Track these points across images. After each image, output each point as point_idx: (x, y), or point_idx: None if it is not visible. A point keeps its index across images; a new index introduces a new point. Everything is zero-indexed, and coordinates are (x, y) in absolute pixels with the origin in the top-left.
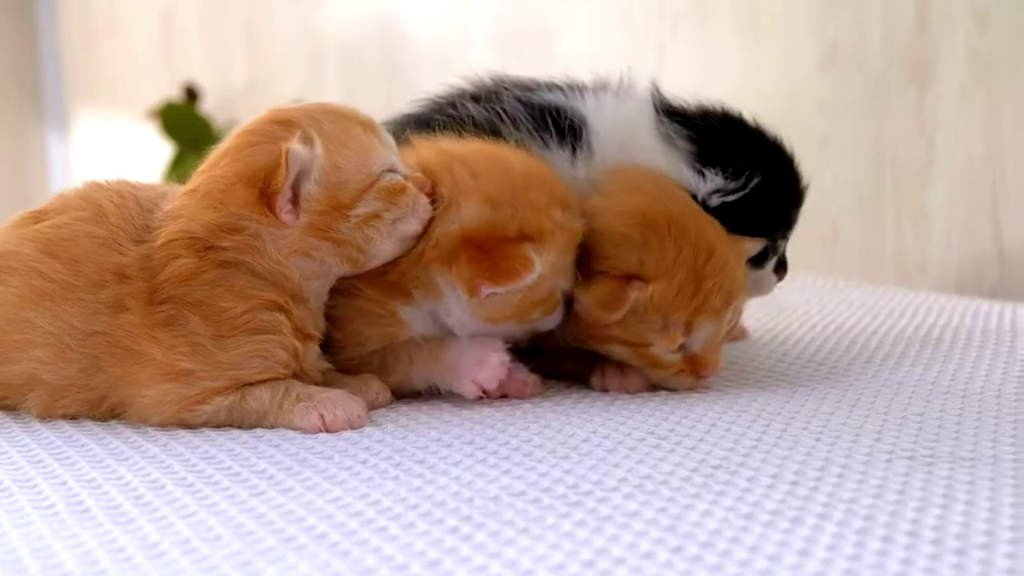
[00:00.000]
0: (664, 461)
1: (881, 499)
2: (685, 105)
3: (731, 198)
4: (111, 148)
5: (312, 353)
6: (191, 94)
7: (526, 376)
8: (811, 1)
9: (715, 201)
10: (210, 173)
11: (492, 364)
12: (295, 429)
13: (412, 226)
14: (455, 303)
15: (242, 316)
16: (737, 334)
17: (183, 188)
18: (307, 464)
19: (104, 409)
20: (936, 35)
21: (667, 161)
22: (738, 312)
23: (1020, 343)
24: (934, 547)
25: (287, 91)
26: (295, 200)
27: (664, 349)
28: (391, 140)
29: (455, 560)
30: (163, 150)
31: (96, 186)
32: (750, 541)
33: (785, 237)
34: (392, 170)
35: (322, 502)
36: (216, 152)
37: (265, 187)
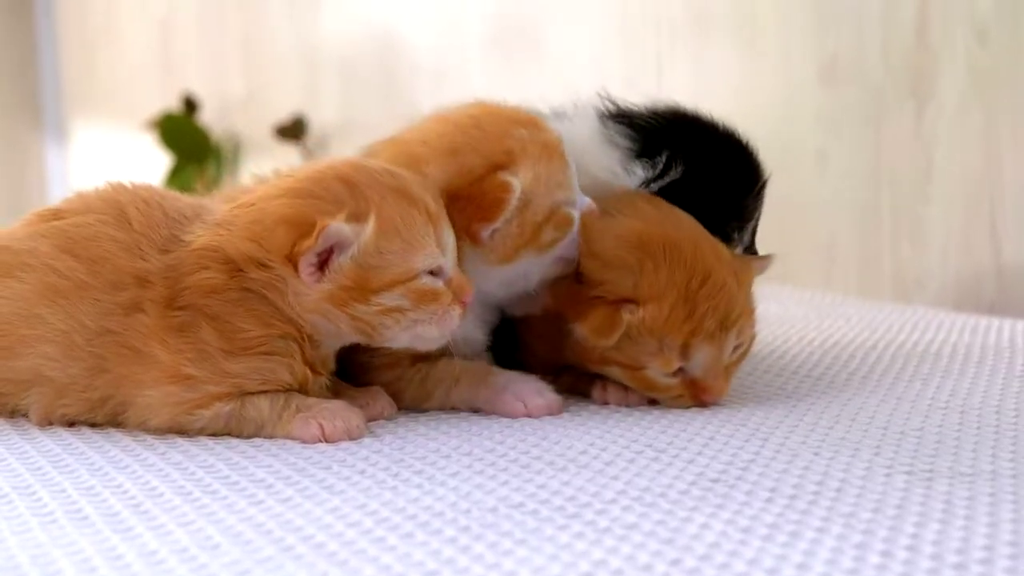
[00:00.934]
0: (662, 474)
1: (880, 513)
2: (634, 108)
3: (654, 187)
4: (109, 158)
5: (318, 384)
6: (189, 105)
7: None
8: (810, 13)
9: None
10: (266, 204)
11: (549, 398)
12: (294, 439)
13: (431, 332)
14: (471, 261)
15: (256, 339)
16: None
17: (239, 198)
18: (305, 474)
19: (105, 411)
20: (935, 48)
21: (609, 162)
22: (746, 335)
23: (1019, 359)
24: (933, 562)
25: (285, 103)
26: (323, 266)
27: (659, 372)
28: (450, 239)
29: (453, 571)
30: (161, 161)
31: (120, 189)
32: (749, 554)
33: (740, 228)
34: (435, 272)
35: (320, 511)
36: (284, 181)
37: (297, 244)
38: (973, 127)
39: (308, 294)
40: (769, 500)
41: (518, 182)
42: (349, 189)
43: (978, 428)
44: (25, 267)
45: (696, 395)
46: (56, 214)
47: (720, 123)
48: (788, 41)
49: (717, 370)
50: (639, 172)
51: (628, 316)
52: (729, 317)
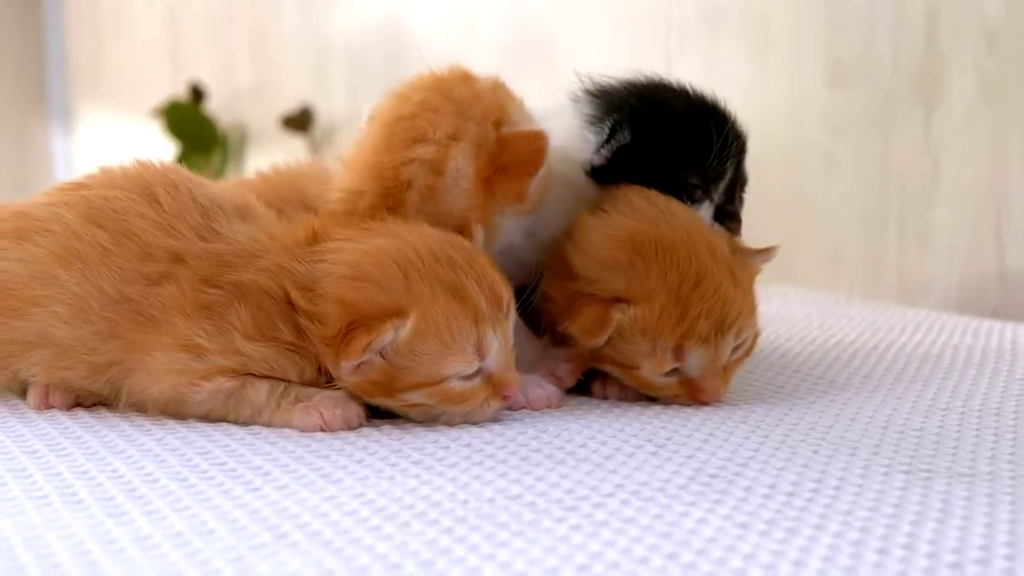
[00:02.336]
0: (661, 468)
1: (877, 512)
2: (610, 81)
3: (605, 151)
4: (115, 146)
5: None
6: (197, 94)
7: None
8: (819, 16)
9: (598, 160)
10: (334, 268)
11: (549, 390)
12: (292, 428)
13: (456, 421)
14: (509, 220)
15: (286, 339)
16: None
17: (307, 223)
18: (303, 462)
19: (106, 377)
20: (944, 53)
21: (579, 138)
22: (747, 335)
23: (1020, 363)
24: (929, 560)
25: (293, 93)
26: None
27: (652, 372)
28: (496, 340)
29: (448, 560)
30: (167, 149)
31: (149, 168)
32: (745, 550)
33: (706, 188)
34: (470, 376)
35: (317, 500)
36: (361, 239)
37: (346, 340)
38: (981, 133)
39: (341, 374)
40: (767, 496)
41: (537, 125)
42: (404, 278)
43: (977, 430)
44: (46, 232)
45: (692, 395)
46: (78, 188)
47: (692, 90)
48: (797, 44)
49: (713, 371)
50: (591, 137)
51: (619, 316)
52: (725, 320)
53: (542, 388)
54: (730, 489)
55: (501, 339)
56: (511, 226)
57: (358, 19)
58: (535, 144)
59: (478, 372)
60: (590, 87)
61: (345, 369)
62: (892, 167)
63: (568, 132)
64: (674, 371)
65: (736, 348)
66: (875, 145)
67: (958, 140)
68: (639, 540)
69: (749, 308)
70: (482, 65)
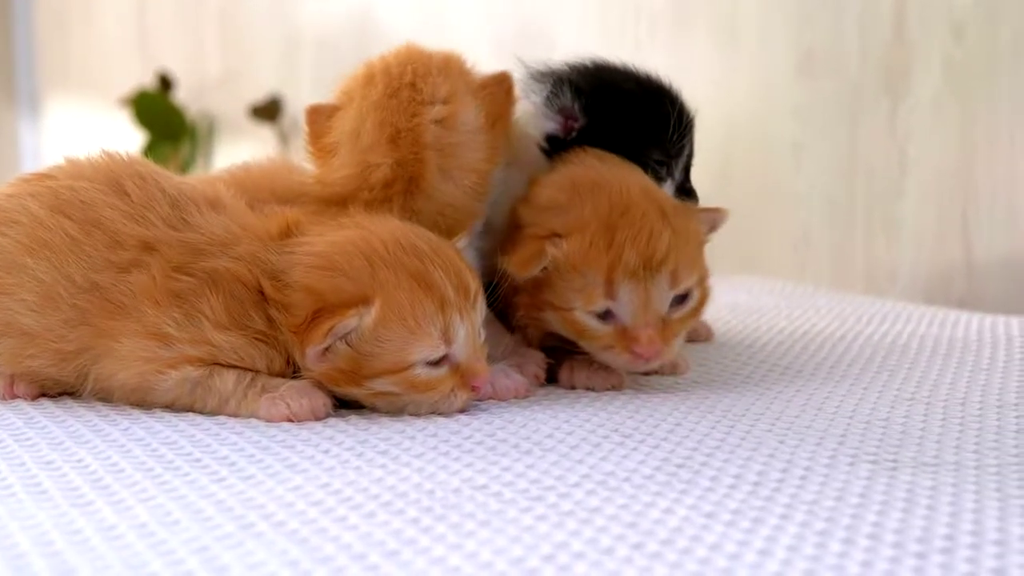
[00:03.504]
0: (627, 459)
1: (843, 502)
2: (554, 65)
3: (551, 108)
4: (83, 135)
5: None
6: (165, 83)
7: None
8: (788, 7)
9: (550, 128)
10: (304, 257)
11: (516, 380)
12: (259, 418)
13: (422, 411)
14: (499, 170)
15: (257, 329)
16: (702, 335)
17: (281, 216)
18: (269, 452)
19: (74, 364)
20: (912, 44)
21: (530, 119)
22: (686, 286)
23: (985, 352)
24: (894, 550)
25: (262, 83)
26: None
27: (584, 310)
28: (463, 328)
29: (414, 551)
30: (135, 138)
31: (116, 159)
32: (711, 539)
33: (667, 156)
34: (435, 362)
35: (282, 490)
36: (329, 234)
37: (309, 325)
38: (948, 123)
39: (307, 363)
40: (733, 486)
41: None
42: (369, 267)
43: (943, 419)
44: (12, 223)
45: (628, 346)
46: (44, 179)
47: (636, 69)
48: (766, 34)
49: (647, 320)
50: (540, 105)
51: (552, 249)
52: (655, 256)
53: (509, 378)
54: (696, 479)
55: (468, 327)
56: (499, 176)
57: (328, 9)
58: (505, 85)
59: (445, 359)
60: (532, 71)
61: (310, 356)
62: (860, 157)
63: (522, 116)
64: (608, 316)
65: (678, 302)
66: (843, 135)
67: (925, 130)
68: (605, 530)
69: (688, 257)
70: None
